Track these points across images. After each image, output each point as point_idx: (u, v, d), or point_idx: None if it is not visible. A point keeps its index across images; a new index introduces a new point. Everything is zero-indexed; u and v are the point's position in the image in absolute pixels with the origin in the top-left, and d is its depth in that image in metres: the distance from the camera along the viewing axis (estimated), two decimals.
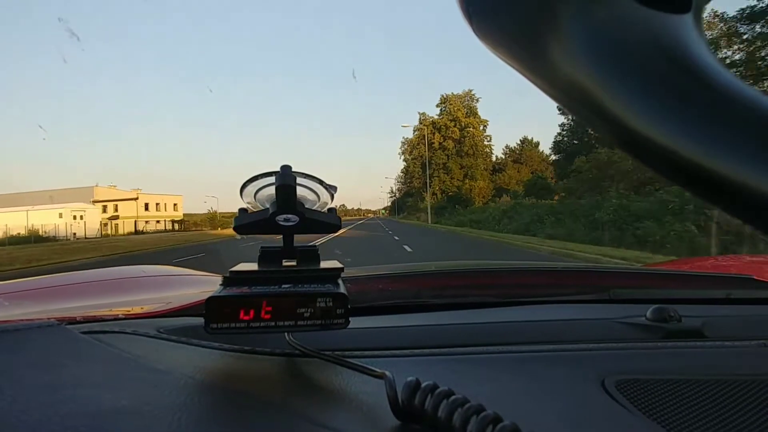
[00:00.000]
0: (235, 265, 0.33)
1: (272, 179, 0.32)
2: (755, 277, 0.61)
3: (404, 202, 49.05)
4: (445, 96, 39.33)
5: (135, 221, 38.70)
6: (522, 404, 0.30)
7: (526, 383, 0.33)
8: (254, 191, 0.34)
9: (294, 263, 0.34)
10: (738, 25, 11.54)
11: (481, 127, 39.03)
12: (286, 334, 0.34)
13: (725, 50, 11.91)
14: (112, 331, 0.37)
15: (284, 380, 0.32)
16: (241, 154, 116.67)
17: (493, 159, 41.00)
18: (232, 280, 0.32)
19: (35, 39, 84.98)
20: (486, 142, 39.48)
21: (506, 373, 0.35)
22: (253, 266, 0.33)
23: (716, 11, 12.22)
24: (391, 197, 63.59)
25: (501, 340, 0.42)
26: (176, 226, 40.36)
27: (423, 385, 0.25)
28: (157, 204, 42.67)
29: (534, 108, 62.36)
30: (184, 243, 16.21)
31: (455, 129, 37.82)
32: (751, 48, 11.30)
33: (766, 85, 10.97)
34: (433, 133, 37.90)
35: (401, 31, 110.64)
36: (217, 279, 0.33)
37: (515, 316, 0.51)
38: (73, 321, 0.40)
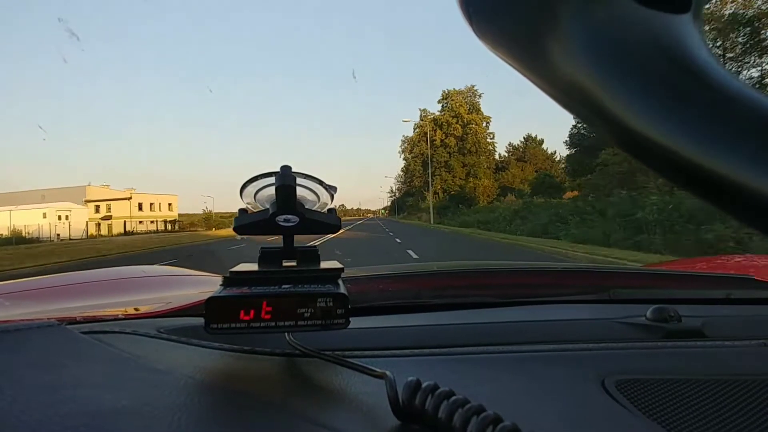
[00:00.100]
0: (235, 266, 0.33)
1: (272, 180, 0.32)
2: (755, 277, 0.62)
3: (404, 201, 48.33)
4: (447, 91, 38.28)
5: (124, 221, 37.41)
6: (522, 404, 0.30)
7: (526, 383, 0.33)
8: (254, 192, 0.34)
9: (294, 264, 0.34)
10: None
11: (484, 124, 37.85)
12: (286, 334, 0.34)
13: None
14: (112, 331, 0.37)
15: (284, 380, 0.32)
16: (241, 154, 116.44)
17: (496, 157, 39.79)
18: (232, 280, 0.32)
19: (35, 39, 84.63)
20: (489, 140, 38.23)
21: (506, 373, 0.35)
22: (254, 266, 0.33)
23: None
24: (390, 197, 62.89)
25: (501, 340, 0.42)
26: (170, 227, 39.20)
27: (423, 385, 0.25)
28: (151, 204, 41.99)
29: (535, 107, 61.96)
30: (172, 245, 15.28)
31: (457, 126, 36.82)
32: None
33: None
34: (435, 130, 36.75)
35: (401, 31, 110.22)
36: (217, 279, 0.33)
37: (515, 316, 0.51)
38: (73, 321, 0.40)
